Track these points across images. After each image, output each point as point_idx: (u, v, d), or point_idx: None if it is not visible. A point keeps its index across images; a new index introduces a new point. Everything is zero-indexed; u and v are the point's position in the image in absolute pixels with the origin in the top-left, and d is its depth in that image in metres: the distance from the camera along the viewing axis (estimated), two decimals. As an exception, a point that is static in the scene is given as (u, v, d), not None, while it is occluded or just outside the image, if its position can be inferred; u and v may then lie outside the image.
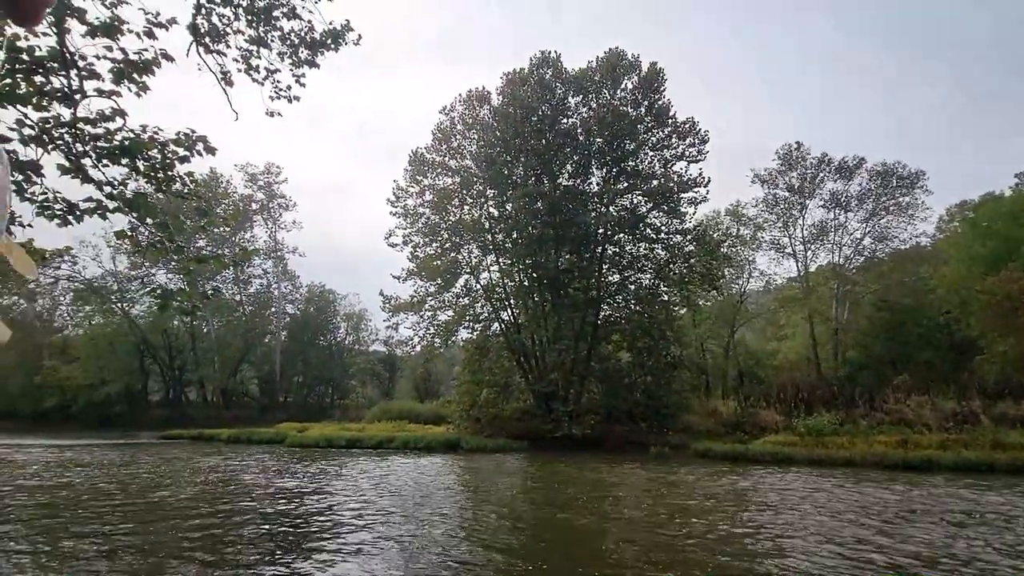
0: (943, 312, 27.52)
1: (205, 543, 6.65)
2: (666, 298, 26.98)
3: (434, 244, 28.41)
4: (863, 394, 22.55)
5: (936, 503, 9.97)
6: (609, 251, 27.05)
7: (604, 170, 27.08)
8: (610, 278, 27.71)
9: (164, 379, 46.84)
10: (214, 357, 44.29)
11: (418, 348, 31.65)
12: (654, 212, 26.44)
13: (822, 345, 30.45)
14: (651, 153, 26.65)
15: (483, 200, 28.00)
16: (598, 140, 26.34)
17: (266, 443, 25.64)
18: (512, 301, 28.39)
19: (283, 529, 7.60)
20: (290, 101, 6.86)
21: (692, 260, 25.92)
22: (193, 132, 5.90)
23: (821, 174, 31.39)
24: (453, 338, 30.03)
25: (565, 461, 17.65)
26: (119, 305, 43.52)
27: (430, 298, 29.23)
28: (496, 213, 28.06)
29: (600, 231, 26.23)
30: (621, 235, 26.79)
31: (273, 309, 47.25)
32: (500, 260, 28.19)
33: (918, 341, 27.91)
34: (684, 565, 5.90)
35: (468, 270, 28.61)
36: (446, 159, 28.33)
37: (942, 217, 34.16)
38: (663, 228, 26.54)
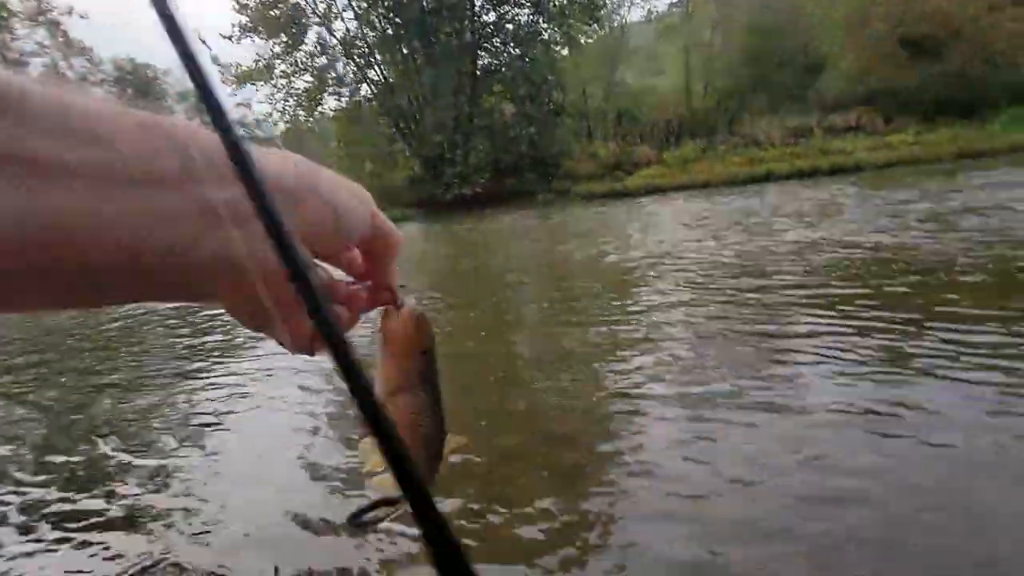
0: (804, 31, 28.39)
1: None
2: (546, 36, 24.90)
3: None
4: (725, 120, 24.33)
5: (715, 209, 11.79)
6: (482, -17, 23.26)
7: None
8: (485, 18, 24.52)
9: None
10: None
11: (281, 125, 27.96)
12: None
13: (696, 77, 31.10)
14: None
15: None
16: None
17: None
18: (378, 56, 24.74)
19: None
20: None
21: (572, -13, 23.26)
22: None
23: None
24: (320, 108, 26.63)
25: (459, 221, 18.16)
26: None
27: (278, 61, 24.60)
28: (334, -66, 22.05)
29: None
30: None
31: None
32: (353, 2, 23.40)
33: (778, 63, 29.28)
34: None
35: (316, 20, 23.70)
36: None
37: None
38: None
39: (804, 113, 22.74)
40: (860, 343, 3.21)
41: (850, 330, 3.42)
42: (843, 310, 3.86)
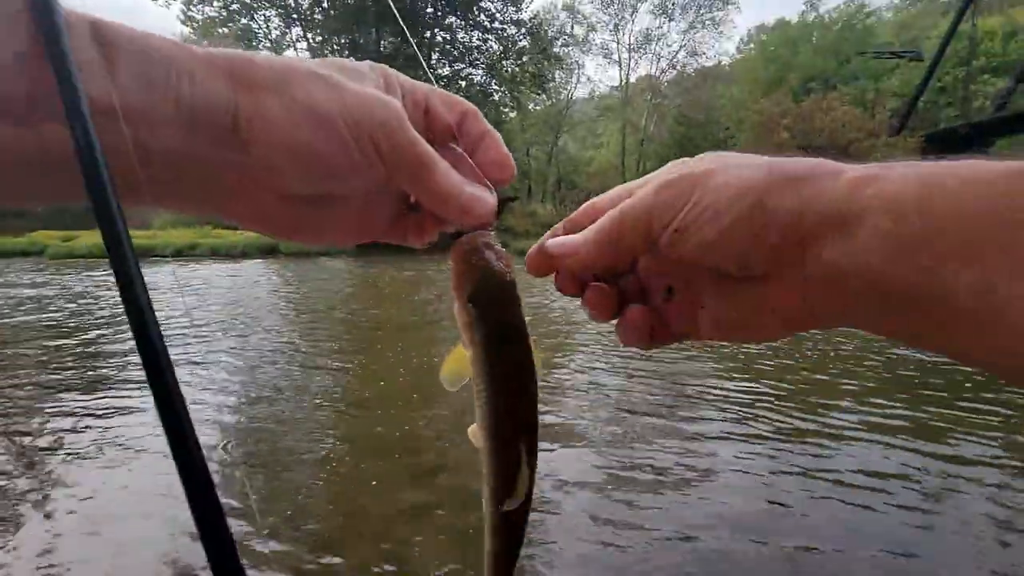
0: (724, 129, 31.97)
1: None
2: (497, 98, 26.23)
3: (216, 2, 22.22)
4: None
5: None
6: (439, 37, 24.34)
7: (435, -68, 22.70)
8: (440, 71, 25.49)
9: None
10: None
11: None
12: (489, -6, 23.86)
13: (629, 155, 33.78)
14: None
15: (281, -52, 21.91)
16: None
17: (19, 255, 20.92)
18: (328, 91, 24.82)
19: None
20: None
21: (525, 58, 24.94)
22: None
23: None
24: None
25: (398, 266, 17.98)
26: None
27: (220, 79, 23.95)
28: (300, -30, 22.45)
29: (429, 10, 23.03)
30: (452, 18, 24.00)
31: None
32: (309, 36, 23.59)
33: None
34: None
35: (267, 44, 23.54)
36: None
37: (742, 38, 37.44)
38: (497, 15, 24.38)
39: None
40: (747, 408, 3.56)
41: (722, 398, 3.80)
42: (725, 384, 4.28)
